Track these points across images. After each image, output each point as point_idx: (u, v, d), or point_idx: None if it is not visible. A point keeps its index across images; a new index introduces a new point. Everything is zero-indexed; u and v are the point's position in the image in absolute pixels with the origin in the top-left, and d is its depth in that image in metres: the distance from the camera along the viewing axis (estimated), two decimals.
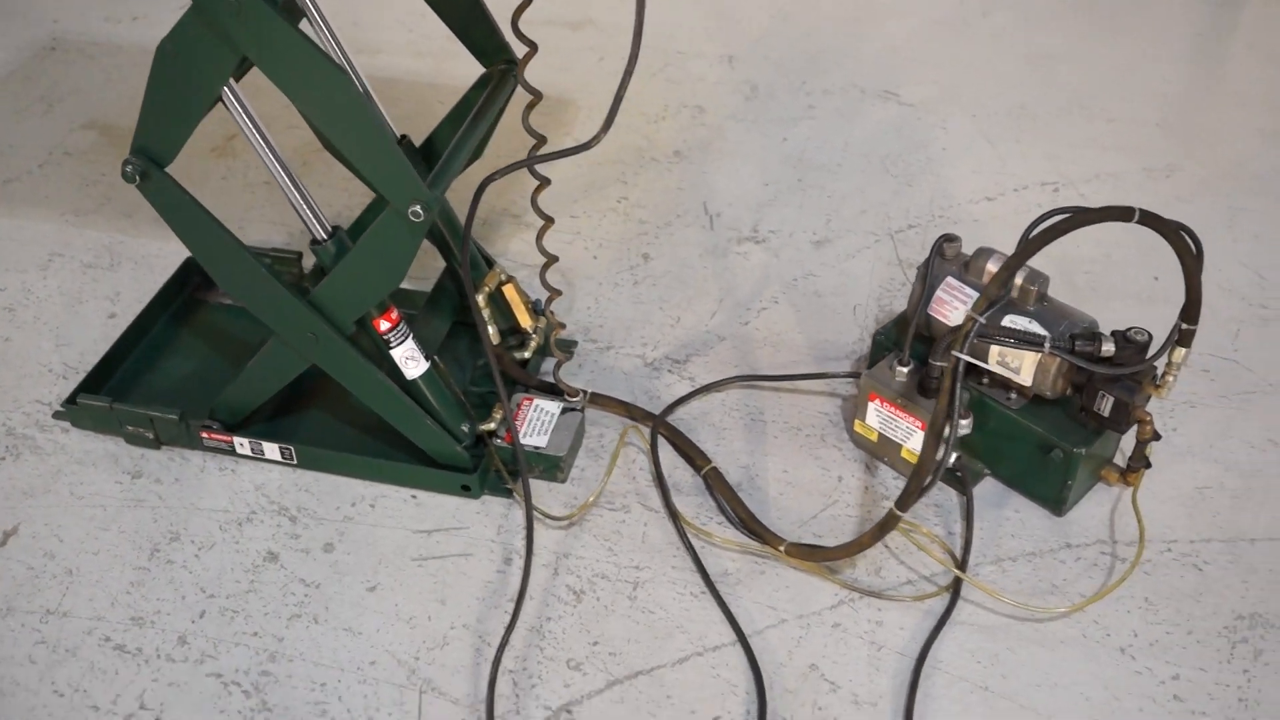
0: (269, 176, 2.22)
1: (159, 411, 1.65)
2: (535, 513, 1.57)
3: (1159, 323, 1.84)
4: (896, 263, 2.02)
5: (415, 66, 2.55)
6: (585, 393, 1.72)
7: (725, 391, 1.78)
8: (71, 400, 1.68)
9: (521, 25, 1.40)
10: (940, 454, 1.36)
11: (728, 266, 2.02)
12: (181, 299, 1.91)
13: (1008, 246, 2.00)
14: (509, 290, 1.71)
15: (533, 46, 1.44)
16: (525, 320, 1.73)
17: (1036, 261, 1.48)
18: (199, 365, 1.81)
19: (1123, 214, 1.30)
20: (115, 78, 2.48)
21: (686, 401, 1.76)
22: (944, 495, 1.63)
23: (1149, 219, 1.30)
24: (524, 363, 1.75)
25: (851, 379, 1.77)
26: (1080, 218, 1.31)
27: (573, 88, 2.45)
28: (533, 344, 1.74)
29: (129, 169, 1.40)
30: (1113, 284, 1.96)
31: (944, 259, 1.61)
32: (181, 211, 1.44)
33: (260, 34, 1.27)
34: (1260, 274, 1.98)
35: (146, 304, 1.84)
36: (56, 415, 1.72)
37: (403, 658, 1.44)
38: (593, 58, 2.57)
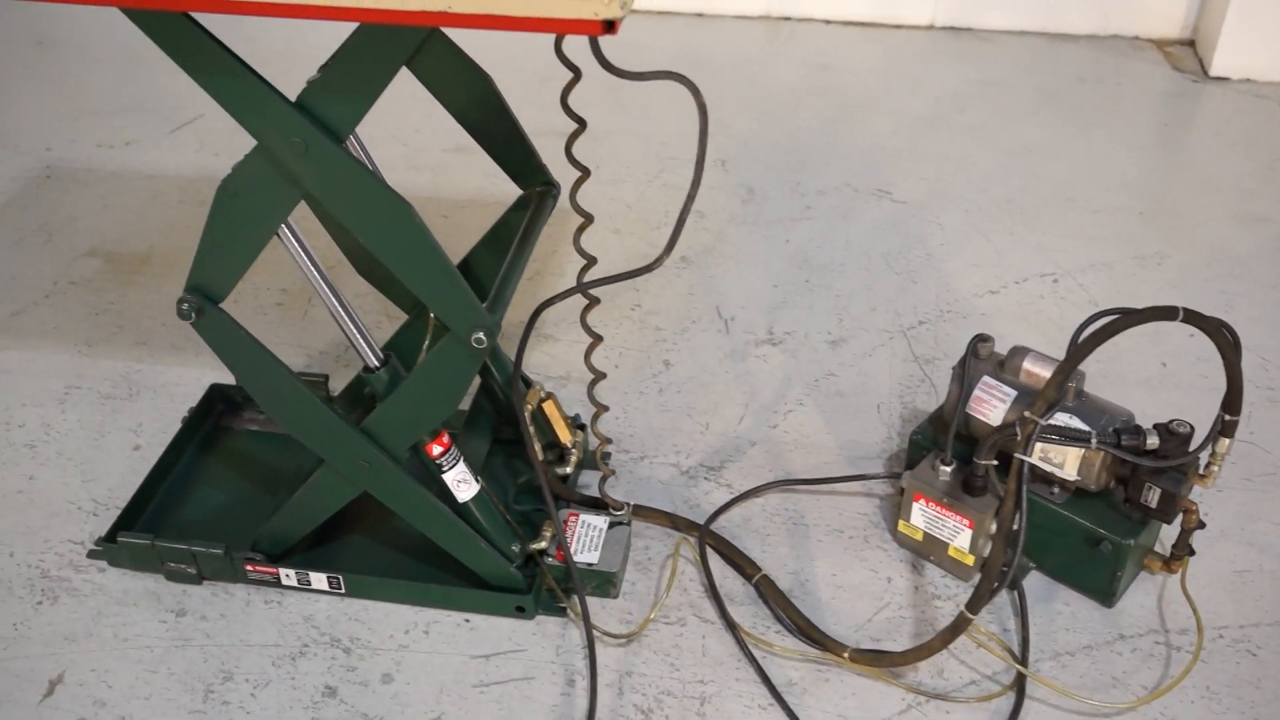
0: (281, 299, 2.22)
1: (202, 546, 1.62)
2: (595, 631, 1.56)
3: (1169, 408, 1.90)
4: (912, 359, 2.07)
5: (414, 180, 2.58)
6: (629, 505, 1.72)
7: (764, 497, 1.80)
8: (110, 538, 1.65)
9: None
10: (1012, 556, 1.38)
11: (748, 370, 2.05)
12: (207, 427, 1.89)
13: (1016, 338, 2.07)
14: (549, 406, 1.72)
15: (585, 172, 1.47)
16: (565, 436, 1.74)
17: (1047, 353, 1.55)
18: (231, 495, 1.78)
19: (1167, 313, 1.34)
20: (112, 204, 2.48)
21: (727, 509, 1.77)
22: None
23: (1192, 317, 1.35)
24: (564, 478, 1.75)
25: (889, 479, 1.80)
26: (1128, 319, 1.35)
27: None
28: (574, 459, 1.75)
29: (184, 307, 1.40)
30: (1122, 372, 2.02)
31: (978, 358, 1.65)
32: (237, 347, 1.44)
33: (326, 172, 1.28)
34: (1263, 356, 2.05)
35: (174, 435, 1.82)
36: (91, 554, 1.68)
37: None
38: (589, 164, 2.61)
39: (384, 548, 1.68)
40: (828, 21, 3.30)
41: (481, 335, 1.37)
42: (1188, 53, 3.10)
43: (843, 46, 3.19)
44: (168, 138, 2.68)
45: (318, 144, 1.25)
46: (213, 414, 1.91)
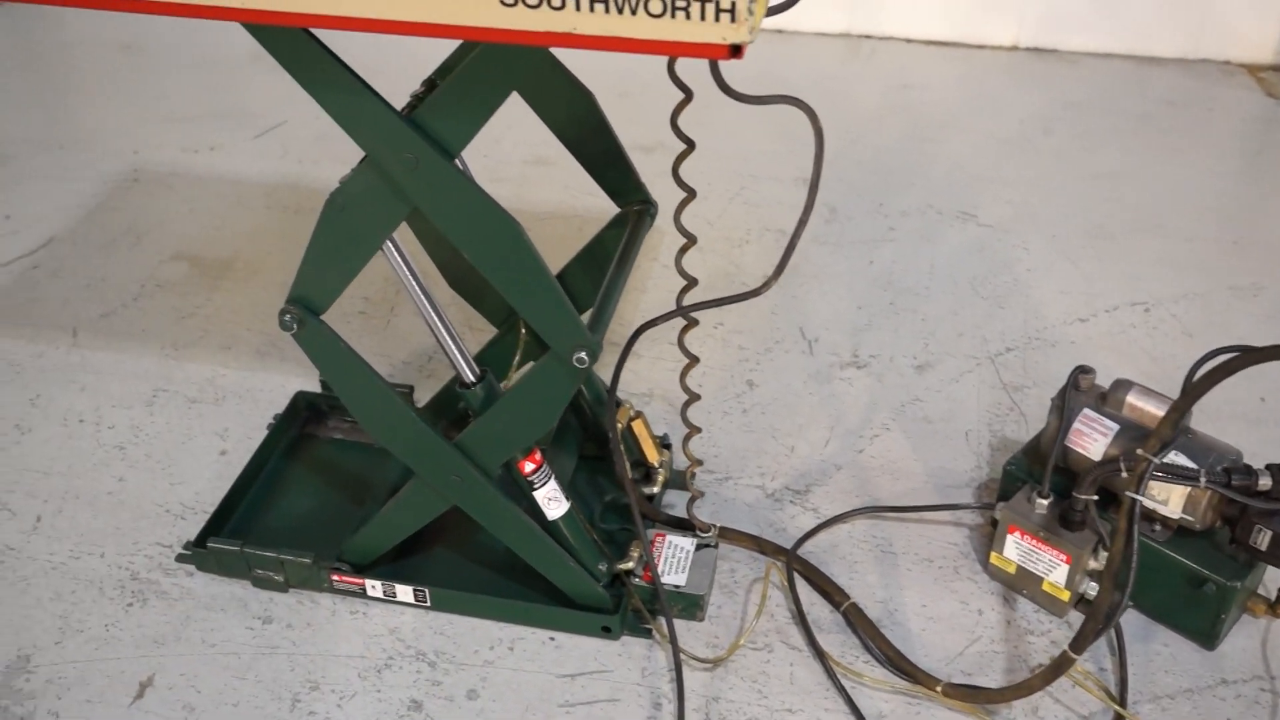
0: (363, 308, 2.23)
1: (291, 555, 1.62)
2: (681, 655, 1.54)
3: (1269, 445, 1.86)
4: (1001, 387, 2.03)
5: (495, 192, 2.56)
6: (716, 527, 1.70)
7: (851, 523, 1.77)
8: (200, 544, 1.66)
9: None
10: (1120, 598, 1.35)
11: (833, 393, 2.03)
12: (292, 434, 1.89)
13: (1107, 368, 2.03)
14: (638, 426, 1.70)
15: (690, 192, 1.46)
16: (653, 455, 1.72)
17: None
18: (316, 503, 1.79)
19: None
20: (197, 208, 2.50)
21: (814, 534, 1.75)
22: None
23: None
24: (650, 498, 1.74)
25: (980, 510, 1.77)
26: (1248, 357, 1.32)
27: None
28: (660, 479, 1.74)
29: (286, 318, 1.40)
30: (1219, 406, 1.97)
31: (1079, 390, 1.62)
32: (336, 359, 1.44)
33: (436, 187, 1.28)
34: None
35: (260, 441, 1.83)
36: (180, 558, 1.69)
37: None
38: (668, 181, 2.60)
39: (469, 562, 1.68)
40: (909, 40, 3.27)
41: (584, 355, 1.36)
42: None
43: (924, 66, 3.16)
44: (251, 143, 2.70)
45: (429, 160, 1.25)
46: (297, 421, 1.91)
